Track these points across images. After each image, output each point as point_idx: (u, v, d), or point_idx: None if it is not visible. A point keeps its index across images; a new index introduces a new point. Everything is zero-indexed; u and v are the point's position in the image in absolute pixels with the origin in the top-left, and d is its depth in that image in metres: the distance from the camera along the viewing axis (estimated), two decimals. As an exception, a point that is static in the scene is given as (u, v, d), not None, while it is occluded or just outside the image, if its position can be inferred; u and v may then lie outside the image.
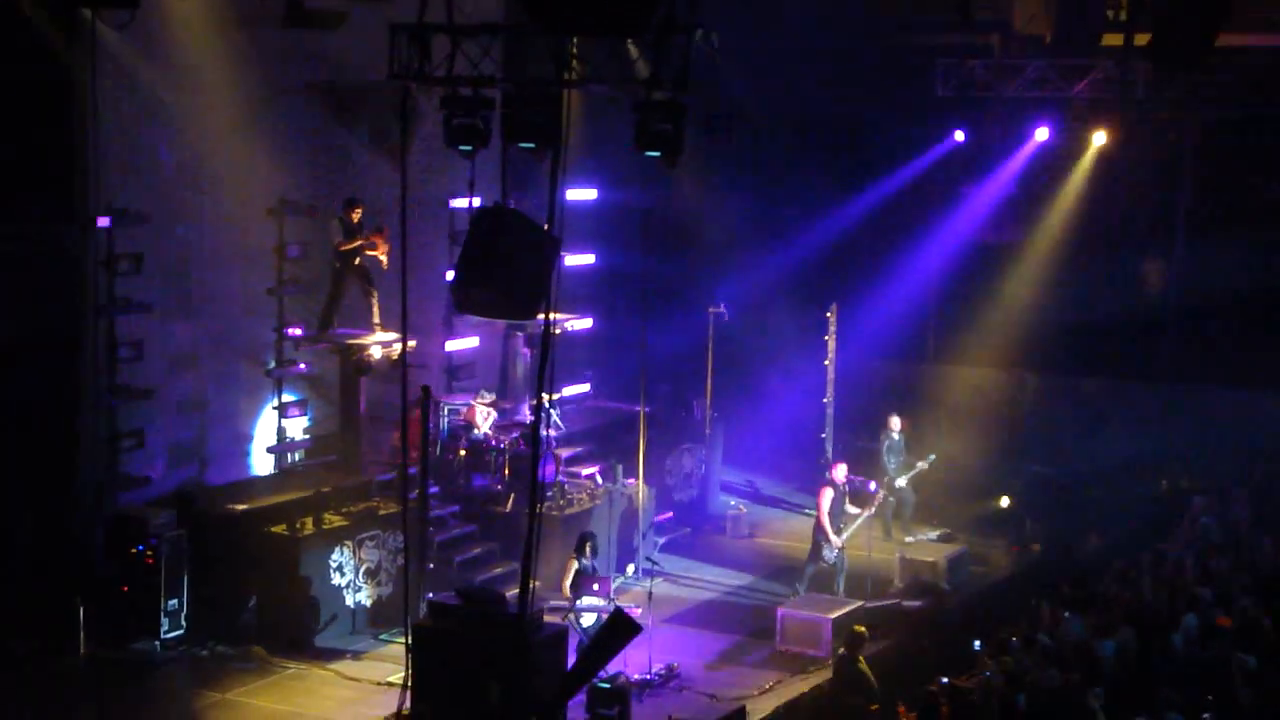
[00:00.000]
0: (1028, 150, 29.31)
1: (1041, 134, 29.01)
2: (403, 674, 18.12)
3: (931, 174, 30.26)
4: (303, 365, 23.53)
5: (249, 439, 23.17)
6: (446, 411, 24.04)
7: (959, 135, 29.55)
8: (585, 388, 27.85)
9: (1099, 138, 28.60)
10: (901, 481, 25.12)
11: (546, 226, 15.91)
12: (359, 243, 22.59)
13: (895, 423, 25.66)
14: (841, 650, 18.58)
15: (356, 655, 20.22)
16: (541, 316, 17.07)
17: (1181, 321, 29.62)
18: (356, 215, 22.69)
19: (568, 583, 19.79)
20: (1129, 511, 25.72)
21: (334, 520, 21.01)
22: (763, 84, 27.88)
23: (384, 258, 22.55)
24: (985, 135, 28.89)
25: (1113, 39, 27.84)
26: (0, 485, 19.20)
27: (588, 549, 20.05)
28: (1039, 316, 29.60)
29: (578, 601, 19.62)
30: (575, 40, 17.89)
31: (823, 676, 19.58)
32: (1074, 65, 27.76)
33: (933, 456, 25.35)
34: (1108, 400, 29.20)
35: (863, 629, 18.77)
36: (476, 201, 19.40)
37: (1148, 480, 27.19)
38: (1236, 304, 29.04)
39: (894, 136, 29.75)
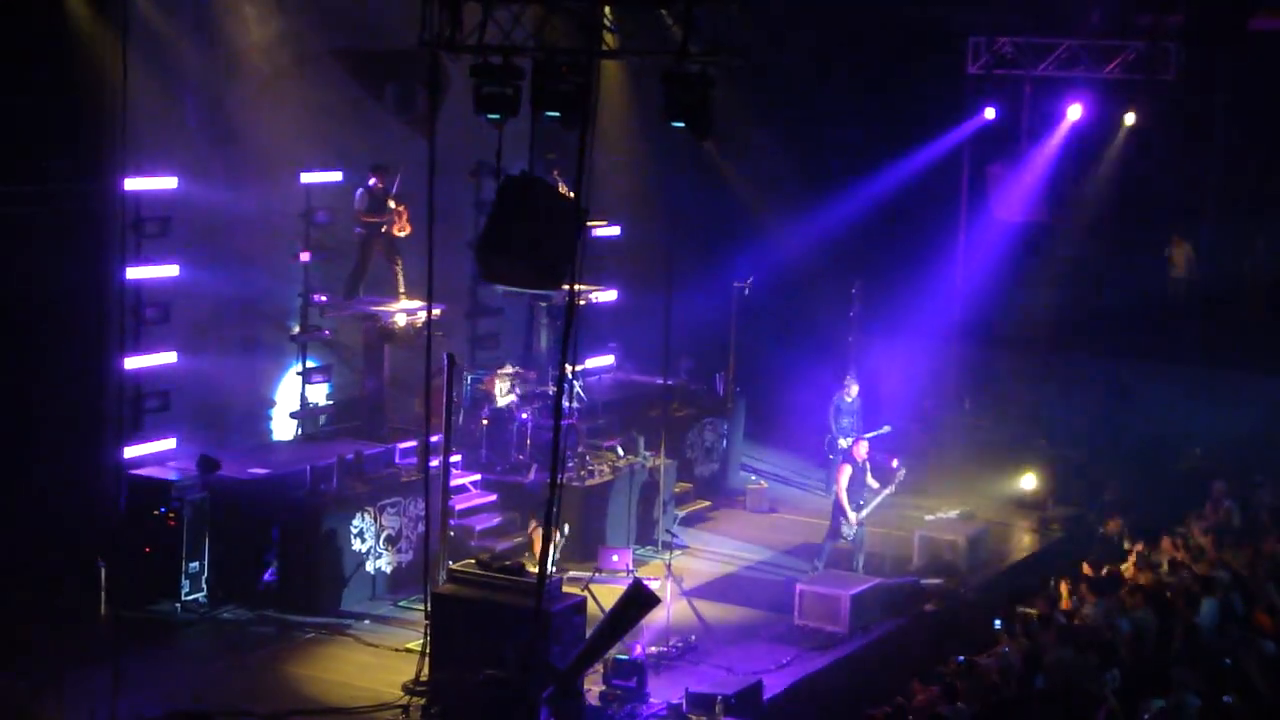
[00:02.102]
0: (1058, 129, 29.18)
1: (1074, 112, 28.86)
2: (421, 641, 18.21)
3: (961, 152, 30.14)
4: (327, 331, 23.57)
5: (272, 404, 23.22)
6: (469, 380, 24.07)
7: (989, 113, 29.41)
8: (609, 360, 27.83)
9: (1129, 118, 28.45)
10: (842, 443, 24.79)
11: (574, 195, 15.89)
12: (379, 219, 22.62)
13: (853, 387, 25.51)
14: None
15: (376, 621, 20.27)
16: (566, 287, 17.09)
17: (1208, 303, 29.49)
18: (383, 182, 22.71)
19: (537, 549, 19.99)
20: (1150, 493, 25.65)
21: (356, 486, 21.09)
22: (791, 57, 27.85)
23: (401, 233, 22.64)
24: (1015, 114, 28.74)
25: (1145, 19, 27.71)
26: (24, 445, 19.25)
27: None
28: (1066, 296, 29.49)
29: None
30: (608, 10, 17.87)
31: (840, 651, 19.62)
32: (1105, 45, 27.61)
33: (887, 428, 25.23)
34: (1133, 381, 29.08)
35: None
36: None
37: (1170, 462, 27.10)
38: (1264, 287, 28.92)
39: (923, 113, 29.63)
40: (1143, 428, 27.76)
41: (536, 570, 19.25)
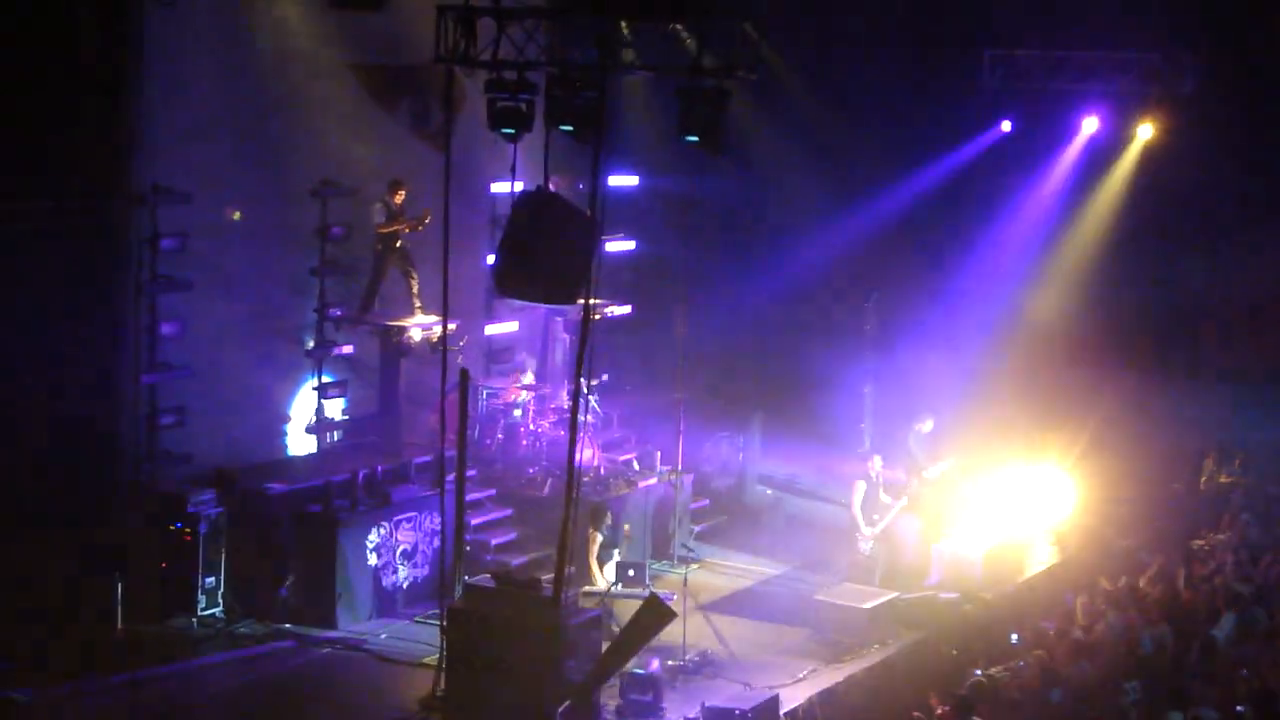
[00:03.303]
0: (1075, 142, 29.14)
1: (1090, 125, 28.82)
2: (437, 655, 18.20)
3: (977, 165, 30.06)
4: (343, 347, 23.58)
5: (287, 419, 23.22)
6: (485, 395, 24.07)
7: (1005, 126, 29.37)
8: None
9: (1145, 130, 28.42)
10: (932, 473, 24.82)
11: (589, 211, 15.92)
12: (396, 227, 22.65)
13: (929, 420, 25.24)
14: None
15: (391, 636, 20.27)
16: (581, 302, 17.11)
17: (1226, 317, 29.40)
18: (399, 198, 22.74)
19: (594, 556, 20.06)
20: (1168, 507, 25.56)
21: (371, 501, 21.11)
22: (807, 71, 27.84)
23: (420, 228, 22.64)
24: (1032, 126, 28.71)
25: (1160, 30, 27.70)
26: (42, 460, 19.28)
27: (607, 518, 20.30)
28: (1082, 310, 29.41)
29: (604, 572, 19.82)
30: (624, 24, 17.90)
31: (857, 665, 19.59)
32: (1121, 57, 27.59)
33: (952, 460, 24.99)
34: (1150, 395, 28.99)
35: None
36: (518, 186, 19.46)
37: (1188, 476, 27.02)
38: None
39: (940, 126, 29.60)
40: (1161, 441, 27.69)
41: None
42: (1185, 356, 29.15)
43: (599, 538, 20.33)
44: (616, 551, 20.93)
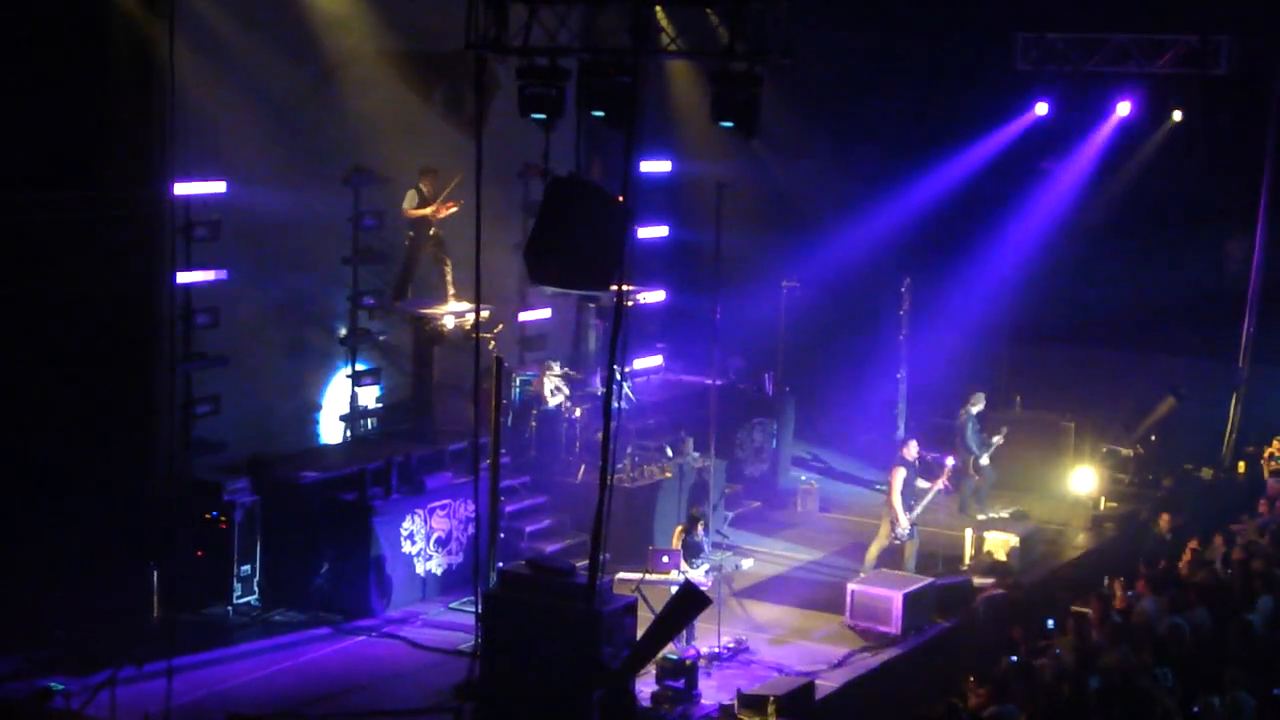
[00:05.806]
0: (1109, 125, 28.98)
1: (1124, 109, 28.67)
2: (472, 643, 18.22)
3: (1012, 148, 29.90)
4: (376, 334, 23.59)
5: (320, 407, 23.26)
6: (518, 382, 24.05)
7: (1041, 108, 29.21)
8: (657, 360, 27.77)
9: (1180, 114, 28.24)
10: (985, 460, 25.08)
11: (620, 197, 15.89)
12: (427, 211, 22.61)
13: (981, 400, 25.52)
14: None
15: (426, 623, 20.29)
16: (614, 288, 17.08)
17: (1262, 300, 29.19)
18: (431, 184, 22.72)
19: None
20: (1205, 491, 25.44)
21: (406, 488, 21.12)
22: (841, 56, 27.74)
23: (446, 214, 22.63)
24: (1066, 110, 28.56)
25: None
26: (78, 450, 19.34)
27: (699, 527, 20.22)
28: (1118, 294, 29.27)
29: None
30: (657, 10, 17.86)
31: (892, 651, 19.55)
32: (1155, 40, 27.42)
33: (1005, 430, 25.31)
34: (1186, 379, 28.84)
35: None
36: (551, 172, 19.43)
37: (1225, 460, 26.88)
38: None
39: (974, 109, 29.46)
40: (1198, 425, 27.54)
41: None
42: (1224, 339, 28.92)
43: (684, 539, 20.25)
44: (700, 562, 20.70)
